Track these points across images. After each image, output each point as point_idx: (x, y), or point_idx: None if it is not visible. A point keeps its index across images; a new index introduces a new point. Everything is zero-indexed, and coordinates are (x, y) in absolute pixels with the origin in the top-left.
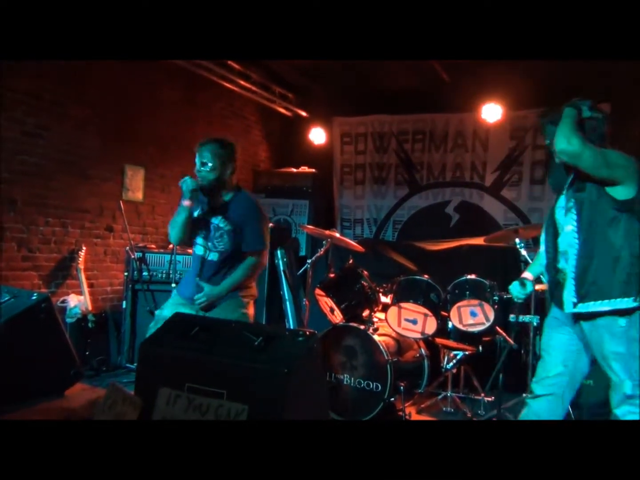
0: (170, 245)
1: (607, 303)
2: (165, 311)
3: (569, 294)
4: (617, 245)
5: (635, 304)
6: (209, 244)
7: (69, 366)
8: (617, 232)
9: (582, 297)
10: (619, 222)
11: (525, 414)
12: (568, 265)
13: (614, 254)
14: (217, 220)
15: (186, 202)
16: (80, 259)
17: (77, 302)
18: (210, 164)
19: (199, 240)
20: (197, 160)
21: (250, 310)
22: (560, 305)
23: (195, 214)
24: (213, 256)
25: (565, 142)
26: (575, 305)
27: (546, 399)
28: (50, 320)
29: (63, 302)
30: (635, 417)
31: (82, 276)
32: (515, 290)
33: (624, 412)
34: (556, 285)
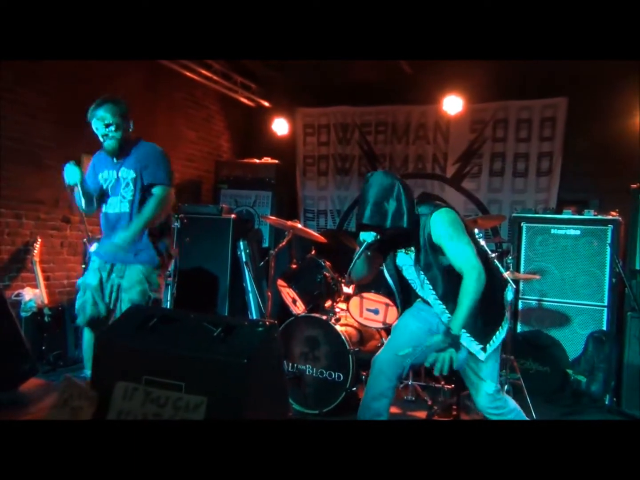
0: None
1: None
2: (88, 278)
3: None
4: None
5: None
6: (118, 197)
7: (23, 361)
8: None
9: None
10: None
11: None
12: None
13: None
14: (121, 172)
15: (73, 188)
16: (35, 251)
17: (33, 295)
18: (114, 123)
19: (107, 199)
20: (97, 124)
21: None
22: None
23: (92, 182)
24: (124, 207)
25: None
26: None
27: None
28: (1, 313)
29: (18, 295)
30: None
31: (38, 269)
32: None
33: None
34: None
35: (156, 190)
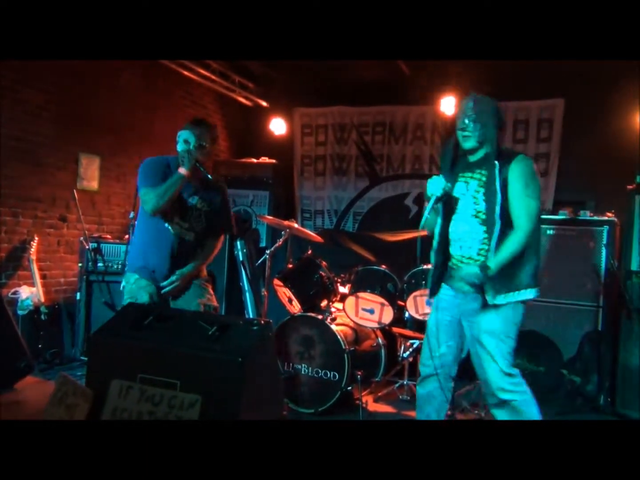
0: (127, 236)
1: (517, 294)
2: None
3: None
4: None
5: (536, 295)
6: (186, 224)
7: (19, 358)
8: None
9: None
10: None
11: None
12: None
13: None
14: (194, 201)
15: (185, 172)
16: (32, 249)
17: (29, 293)
18: (207, 147)
19: (176, 219)
20: (193, 139)
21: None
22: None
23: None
24: (189, 237)
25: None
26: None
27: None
28: None
29: (14, 293)
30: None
31: (35, 267)
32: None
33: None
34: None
35: (217, 240)
